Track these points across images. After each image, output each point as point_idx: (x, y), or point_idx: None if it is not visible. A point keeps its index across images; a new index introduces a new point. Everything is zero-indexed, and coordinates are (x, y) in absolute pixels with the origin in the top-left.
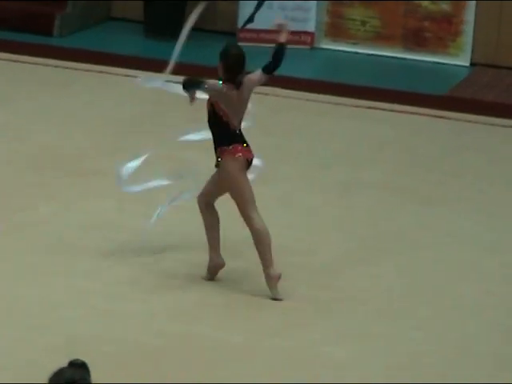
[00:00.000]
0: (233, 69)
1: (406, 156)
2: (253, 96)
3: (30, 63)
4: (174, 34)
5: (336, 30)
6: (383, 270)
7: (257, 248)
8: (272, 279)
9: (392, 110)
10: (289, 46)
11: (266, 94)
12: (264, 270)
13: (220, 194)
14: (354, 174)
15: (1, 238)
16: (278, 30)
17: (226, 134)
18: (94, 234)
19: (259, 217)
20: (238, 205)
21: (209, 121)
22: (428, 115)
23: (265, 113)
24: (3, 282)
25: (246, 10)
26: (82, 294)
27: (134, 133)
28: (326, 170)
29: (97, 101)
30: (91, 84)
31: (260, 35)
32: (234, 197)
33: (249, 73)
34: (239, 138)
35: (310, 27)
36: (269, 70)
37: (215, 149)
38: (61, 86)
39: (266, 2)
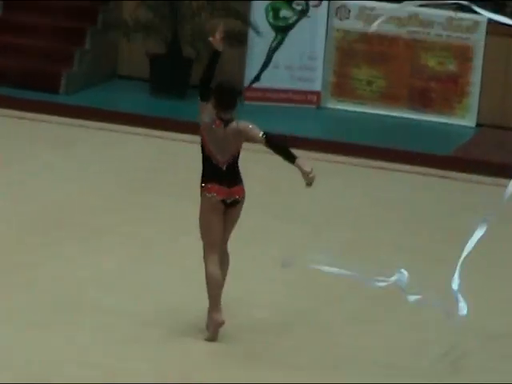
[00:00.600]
0: (222, 103)
1: (412, 215)
2: (258, 154)
3: (35, 120)
4: (179, 93)
5: (342, 89)
6: (387, 327)
7: (207, 290)
8: (212, 323)
9: (398, 170)
10: (295, 105)
11: (269, 153)
12: (208, 313)
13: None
14: (360, 234)
15: (3, 295)
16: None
17: (209, 169)
18: (97, 291)
19: (215, 262)
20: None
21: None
22: (434, 175)
23: (270, 171)
24: (4, 339)
25: (252, 68)
26: (84, 351)
27: (139, 190)
28: (331, 230)
29: (102, 158)
30: (97, 142)
31: (266, 94)
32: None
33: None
34: (221, 177)
35: (317, 87)
36: (270, 143)
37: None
38: (66, 144)
39: (273, 62)
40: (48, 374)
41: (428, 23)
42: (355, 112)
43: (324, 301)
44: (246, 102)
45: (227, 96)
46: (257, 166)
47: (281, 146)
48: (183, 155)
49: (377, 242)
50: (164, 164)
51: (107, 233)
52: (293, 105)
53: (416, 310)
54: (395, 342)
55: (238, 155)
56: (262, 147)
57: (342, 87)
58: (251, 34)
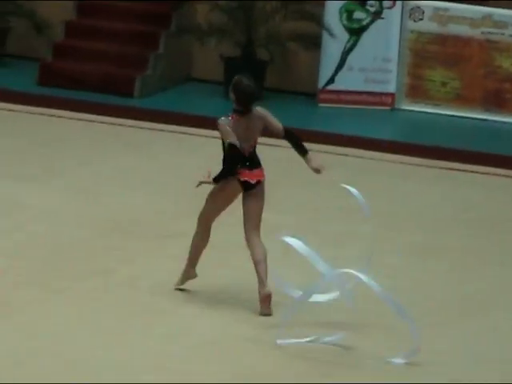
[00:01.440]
0: (243, 100)
1: (486, 218)
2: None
3: (110, 124)
4: None
5: (416, 91)
6: (464, 331)
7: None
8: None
9: (473, 172)
10: (369, 107)
11: (346, 155)
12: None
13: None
14: (434, 236)
15: (79, 301)
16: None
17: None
18: (173, 295)
19: (204, 228)
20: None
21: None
22: (509, 176)
23: (345, 174)
24: (80, 345)
25: (326, 70)
26: (160, 357)
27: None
28: (405, 232)
29: (176, 162)
30: (171, 145)
31: (340, 96)
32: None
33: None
34: (243, 162)
35: (391, 88)
36: (288, 135)
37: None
38: (141, 147)
39: (347, 64)
40: (125, 379)
41: (502, 24)
42: (429, 113)
43: None
44: (320, 104)
45: (247, 98)
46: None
47: (296, 138)
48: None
49: (448, 245)
50: None
51: (180, 237)
52: (367, 107)
53: None
54: None
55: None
56: None
57: (416, 89)
58: (325, 36)
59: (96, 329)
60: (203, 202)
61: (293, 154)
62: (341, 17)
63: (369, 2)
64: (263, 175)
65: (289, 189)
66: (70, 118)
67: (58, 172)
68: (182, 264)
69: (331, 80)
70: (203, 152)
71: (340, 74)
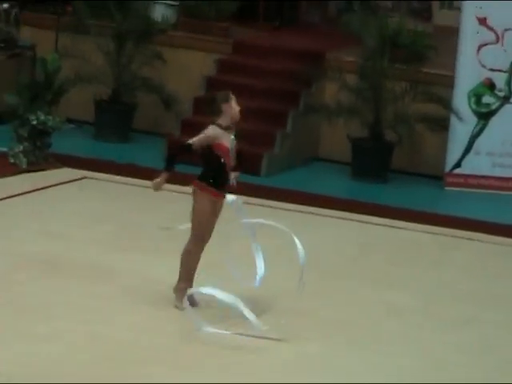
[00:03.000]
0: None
1: None
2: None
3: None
4: (380, 177)
5: None
6: None
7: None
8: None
9: None
10: (497, 192)
11: (471, 240)
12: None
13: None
14: None
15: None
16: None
17: (219, 174)
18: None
19: (200, 252)
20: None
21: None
22: None
23: (470, 257)
24: None
25: (453, 154)
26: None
27: (338, 273)
28: None
29: (302, 240)
30: (295, 224)
31: (467, 180)
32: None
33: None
34: (224, 181)
35: None
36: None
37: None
38: (263, 227)
39: (474, 148)
40: None
41: None
42: None
43: None
44: (447, 188)
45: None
46: (457, 252)
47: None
48: (382, 240)
49: None
50: (363, 249)
51: (306, 317)
52: (494, 191)
53: None
54: None
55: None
56: None
57: None
58: (453, 119)
59: None
60: (328, 280)
61: (418, 235)
62: (469, 101)
63: (498, 87)
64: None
65: (414, 270)
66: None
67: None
68: (304, 343)
69: (458, 164)
70: (328, 231)
71: (467, 157)
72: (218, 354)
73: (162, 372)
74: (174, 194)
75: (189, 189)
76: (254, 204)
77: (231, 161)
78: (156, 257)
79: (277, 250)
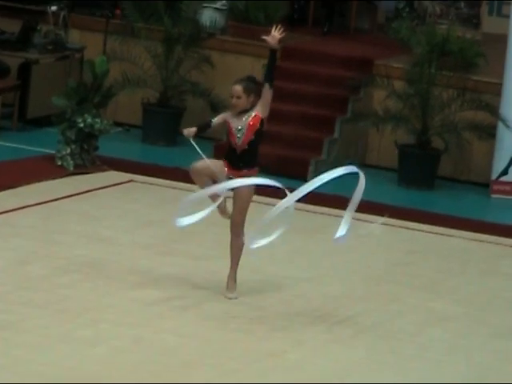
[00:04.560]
0: (256, 97)
1: None
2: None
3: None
4: (427, 185)
5: None
6: None
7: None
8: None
9: None
10: None
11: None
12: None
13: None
14: None
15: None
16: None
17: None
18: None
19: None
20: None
21: (252, 142)
22: None
23: None
24: None
25: (500, 162)
26: None
27: (385, 280)
28: None
29: (349, 247)
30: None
31: None
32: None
33: None
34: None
35: None
36: (267, 78)
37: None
38: (313, 232)
39: None
40: None
41: None
42: None
43: None
44: (493, 196)
45: (259, 89)
46: (504, 260)
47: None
48: (428, 247)
49: None
50: (409, 256)
51: (350, 322)
52: None
53: None
54: None
55: None
56: None
57: None
58: (501, 127)
59: None
60: (375, 287)
61: (465, 243)
62: None
63: None
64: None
65: (461, 278)
66: None
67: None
68: (351, 348)
69: (505, 171)
70: (376, 239)
71: None
72: (261, 359)
73: (206, 377)
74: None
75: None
76: (300, 209)
77: (236, 140)
78: (202, 261)
79: (321, 255)
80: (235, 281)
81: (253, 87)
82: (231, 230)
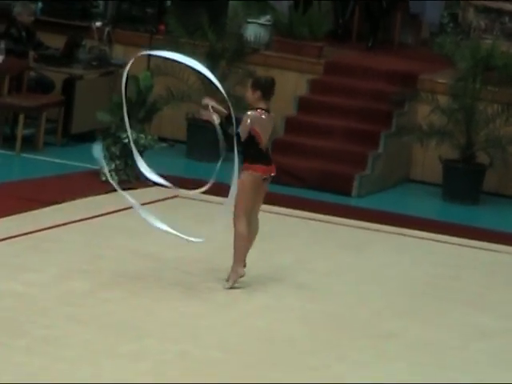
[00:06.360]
0: (267, 94)
1: None
2: None
3: (327, 222)
4: (472, 199)
5: None
6: None
7: (233, 244)
8: (234, 273)
9: None
10: None
11: None
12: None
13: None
14: None
15: None
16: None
17: (255, 153)
18: None
19: (245, 222)
20: (235, 207)
21: (243, 143)
22: None
23: None
24: None
25: None
26: None
27: (429, 295)
28: None
29: (393, 262)
30: (388, 245)
31: None
32: (236, 200)
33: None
34: (264, 158)
35: None
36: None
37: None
38: (357, 247)
39: None
40: None
41: None
42: None
43: None
44: None
45: (270, 88)
46: None
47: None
48: (473, 262)
49: None
50: (455, 271)
51: (394, 336)
52: None
53: None
54: None
55: None
56: None
57: None
58: None
59: None
60: (419, 301)
61: (505, 257)
62: None
63: None
64: (275, 170)
65: (506, 293)
66: (285, 215)
67: (275, 268)
68: (395, 365)
69: None
70: (420, 252)
71: None
72: (304, 373)
73: None
74: (266, 214)
75: (279, 209)
76: (344, 224)
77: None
78: (245, 277)
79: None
80: (236, 272)
81: (259, 83)
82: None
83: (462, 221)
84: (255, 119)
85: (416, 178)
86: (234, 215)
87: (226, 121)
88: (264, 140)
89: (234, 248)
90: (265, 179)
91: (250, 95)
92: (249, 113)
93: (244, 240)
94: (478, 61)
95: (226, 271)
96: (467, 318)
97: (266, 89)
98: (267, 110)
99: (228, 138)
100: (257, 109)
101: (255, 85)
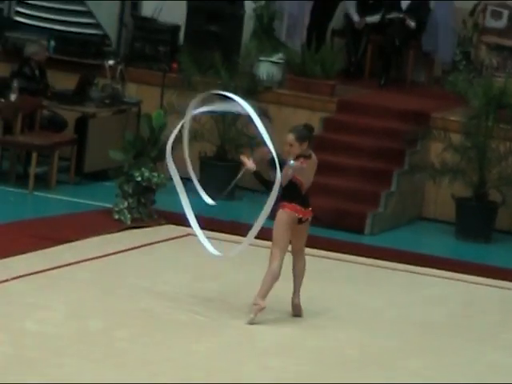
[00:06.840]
0: (310, 141)
1: None
2: None
3: (339, 260)
4: (485, 237)
5: None
6: None
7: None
8: (259, 308)
9: None
10: None
11: None
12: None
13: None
14: None
15: None
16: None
17: (294, 194)
18: None
19: (281, 262)
20: (272, 244)
21: (283, 187)
22: None
23: None
24: None
25: None
26: None
27: (443, 333)
28: None
29: (404, 301)
30: (401, 283)
31: None
32: (273, 237)
33: None
34: (302, 200)
35: None
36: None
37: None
38: (370, 285)
39: None
40: None
41: None
42: None
43: None
44: None
45: (313, 133)
46: None
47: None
48: (488, 300)
49: None
50: (468, 309)
51: (407, 374)
52: None
53: None
54: None
55: None
56: None
57: None
58: None
59: None
60: (432, 339)
61: None
62: None
63: None
64: (311, 214)
65: None
66: None
67: (288, 305)
68: None
69: None
70: (432, 292)
71: None
72: None
73: None
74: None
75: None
76: (357, 262)
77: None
78: (262, 315)
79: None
80: (257, 305)
81: (305, 135)
82: None
83: (474, 259)
84: (298, 171)
85: (429, 215)
86: (271, 252)
87: (268, 164)
88: (305, 186)
89: (263, 281)
90: (300, 220)
91: (298, 148)
92: (291, 163)
93: (274, 278)
94: (490, 99)
95: (238, 310)
96: (481, 356)
97: (312, 136)
98: (310, 155)
99: (267, 184)
100: (298, 157)
101: (301, 138)
